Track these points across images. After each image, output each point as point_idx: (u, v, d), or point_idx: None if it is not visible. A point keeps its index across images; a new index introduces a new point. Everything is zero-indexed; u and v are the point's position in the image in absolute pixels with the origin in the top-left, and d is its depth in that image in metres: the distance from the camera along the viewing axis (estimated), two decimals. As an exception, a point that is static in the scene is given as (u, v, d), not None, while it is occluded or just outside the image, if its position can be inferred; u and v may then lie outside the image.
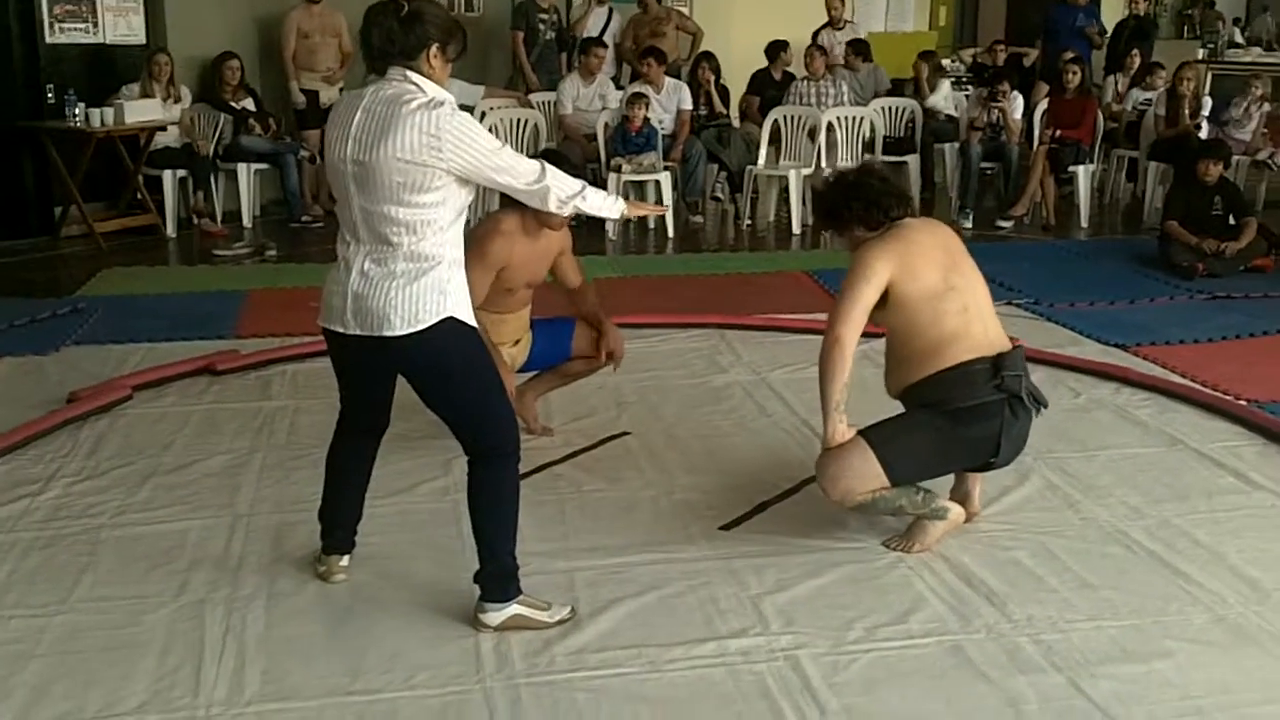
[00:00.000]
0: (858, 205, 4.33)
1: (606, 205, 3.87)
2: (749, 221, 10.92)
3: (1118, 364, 6.49)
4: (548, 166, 3.65)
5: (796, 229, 10.57)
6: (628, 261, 9.42)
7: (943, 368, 4.19)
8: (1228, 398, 5.95)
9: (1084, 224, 10.92)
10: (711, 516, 4.60)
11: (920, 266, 4.20)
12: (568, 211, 3.77)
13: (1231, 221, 8.92)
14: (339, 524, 4.10)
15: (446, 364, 3.61)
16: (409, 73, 3.53)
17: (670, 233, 10.32)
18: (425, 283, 3.53)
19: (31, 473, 4.99)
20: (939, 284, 4.20)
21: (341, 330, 3.64)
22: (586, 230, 10.00)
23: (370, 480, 4.14)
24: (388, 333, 3.54)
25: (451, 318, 3.56)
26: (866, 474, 4.16)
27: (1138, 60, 12.25)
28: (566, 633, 3.74)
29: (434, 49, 3.55)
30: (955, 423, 4.18)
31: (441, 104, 3.48)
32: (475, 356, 3.65)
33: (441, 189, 3.49)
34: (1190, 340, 7.05)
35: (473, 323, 3.63)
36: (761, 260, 9.50)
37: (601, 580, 4.09)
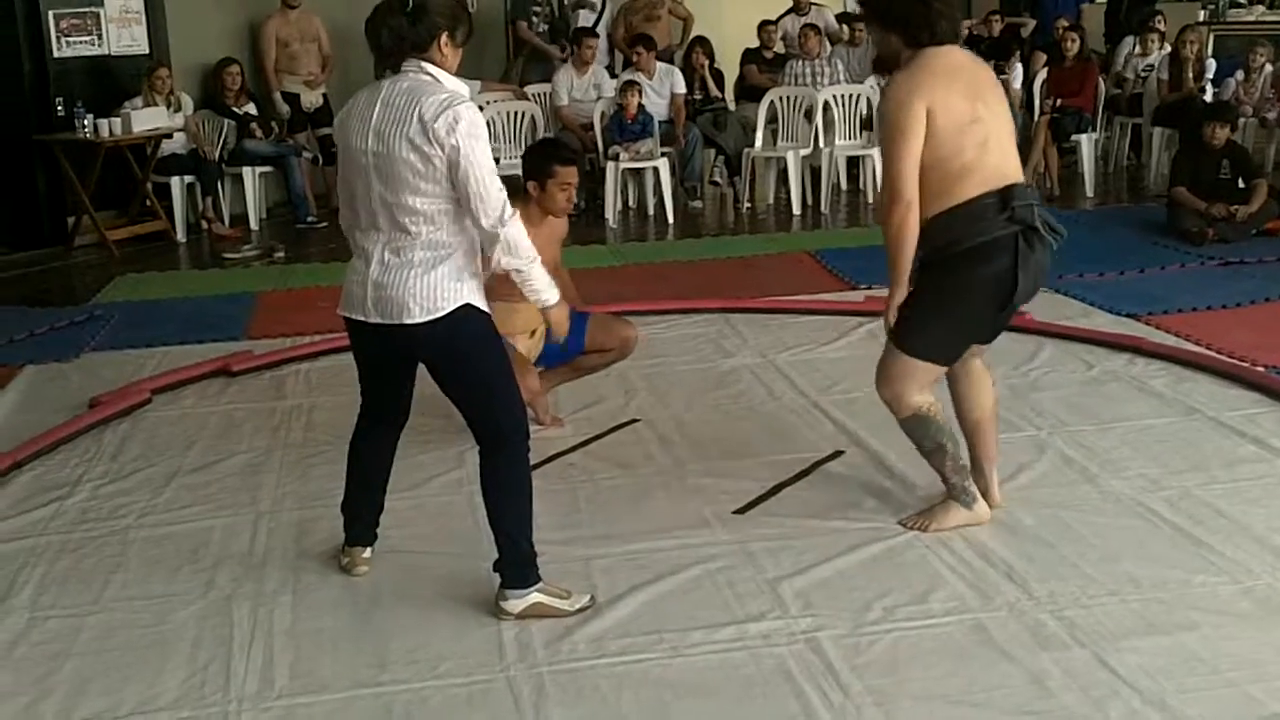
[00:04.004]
0: (910, 14, 4.08)
1: (544, 288, 3.75)
2: (748, 204, 10.89)
3: (1131, 334, 6.40)
4: (513, 223, 3.59)
5: (796, 210, 10.54)
6: (628, 249, 9.43)
7: (950, 205, 4.05)
8: (1244, 365, 5.87)
9: (1089, 193, 10.86)
10: (725, 501, 4.61)
11: (951, 98, 4.02)
12: (502, 267, 3.64)
13: (1241, 185, 8.79)
14: (361, 516, 4.15)
15: (463, 348, 3.66)
16: (424, 64, 3.59)
17: (670, 218, 10.32)
18: (443, 270, 3.59)
19: (59, 476, 5.06)
20: (966, 115, 4.04)
21: (362, 319, 3.70)
22: (585, 220, 10.03)
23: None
24: (408, 320, 3.59)
25: (468, 304, 3.62)
26: (906, 370, 4.16)
27: (1163, 24, 12.01)
28: (586, 620, 3.77)
29: (444, 37, 3.60)
30: (969, 262, 4.07)
31: (464, 100, 3.53)
32: (489, 341, 3.70)
33: None
34: (1203, 308, 6.95)
35: (487, 309, 3.68)
36: (762, 242, 9.49)
37: (618, 567, 4.11)
